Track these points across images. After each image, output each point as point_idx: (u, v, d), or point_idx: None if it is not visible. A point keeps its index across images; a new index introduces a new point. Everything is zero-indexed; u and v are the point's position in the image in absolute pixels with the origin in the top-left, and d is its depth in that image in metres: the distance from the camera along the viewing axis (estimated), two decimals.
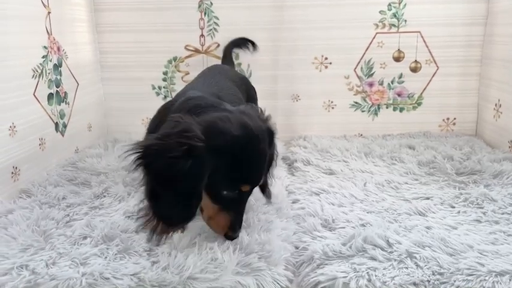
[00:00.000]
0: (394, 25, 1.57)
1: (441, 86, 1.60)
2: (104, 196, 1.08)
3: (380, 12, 1.56)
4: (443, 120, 1.64)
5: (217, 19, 1.60)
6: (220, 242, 0.83)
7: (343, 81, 1.63)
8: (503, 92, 1.44)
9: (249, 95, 1.31)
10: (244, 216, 0.93)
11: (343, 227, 0.89)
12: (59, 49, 1.35)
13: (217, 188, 0.80)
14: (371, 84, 1.62)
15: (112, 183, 1.14)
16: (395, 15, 1.56)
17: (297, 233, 0.90)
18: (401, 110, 1.64)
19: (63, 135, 1.37)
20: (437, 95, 1.61)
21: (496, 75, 1.49)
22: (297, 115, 1.65)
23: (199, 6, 1.59)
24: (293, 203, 1.06)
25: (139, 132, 1.66)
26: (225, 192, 0.80)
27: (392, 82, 1.62)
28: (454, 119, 1.63)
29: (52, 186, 1.12)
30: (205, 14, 1.60)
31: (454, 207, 0.99)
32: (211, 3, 1.59)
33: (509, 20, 1.42)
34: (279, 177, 1.21)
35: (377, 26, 1.57)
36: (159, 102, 1.66)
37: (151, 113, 1.66)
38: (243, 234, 0.85)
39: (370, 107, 1.64)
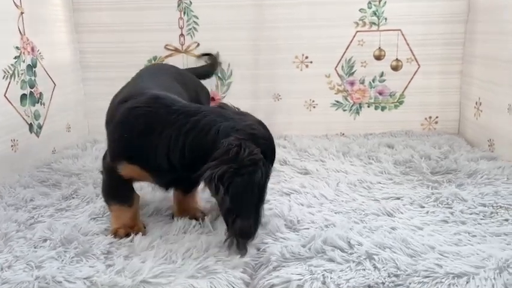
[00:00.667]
0: (374, 23, 1.56)
1: (423, 85, 1.59)
2: (73, 198, 1.07)
3: (360, 10, 1.55)
4: (426, 118, 1.62)
5: (197, 18, 1.59)
6: (181, 245, 0.82)
7: (324, 80, 1.62)
8: (484, 90, 1.42)
9: (200, 97, 1.25)
10: (206, 219, 0.93)
11: (307, 228, 0.88)
12: (33, 49, 1.34)
13: None
14: (352, 83, 1.61)
15: (82, 185, 1.13)
16: (375, 14, 1.55)
17: (260, 235, 0.88)
18: (382, 108, 1.63)
19: (38, 136, 1.36)
20: (419, 94, 1.60)
21: (477, 73, 1.47)
22: (278, 114, 1.64)
23: (179, 5, 1.58)
24: None
25: None
26: None
27: (373, 81, 1.61)
28: (436, 117, 1.62)
29: (22, 188, 1.12)
30: (184, 13, 1.59)
31: (423, 207, 0.98)
32: (191, 3, 1.58)
33: (490, 17, 1.40)
34: None
35: (357, 24, 1.56)
36: None
37: None
38: (203, 237, 0.84)
39: (351, 106, 1.63)
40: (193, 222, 0.92)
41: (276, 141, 1.52)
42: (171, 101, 0.88)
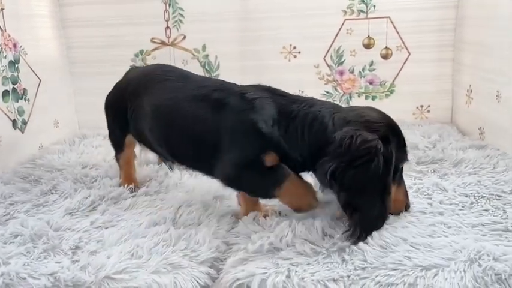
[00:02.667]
0: (362, 11, 1.52)
1: (414, 73, 1.56)
2: (51, 193, 1.07)
3: None
4: (417, 107, 1.59)
5: (182, 10, 1.57)
6: (149, 238, 0.81)
7: (313, 71, 1.59)
8: (474, 77, 1.39)
9: None
10: (180, 211, 0.92)
11: (281, 221, 0.86)
12: (15, 46, 1.33)
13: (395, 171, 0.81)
14: (341, 73, 1.58)
15: (62, 180, 1.13)
16: (363, 1, 1.51)
17: (233, 228, 0.87)
18: (373, 98, 1.60)
19: (23, 132, 1.36)
20: (410, 82, 1.57)
21: (467, 60, 1.44)
22: None
23: None
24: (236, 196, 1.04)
25: None
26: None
27: (363, 70, 1.58)
28: (429, 106, 1.58)
29: (2, 184, 1.12)
30: (169, 5, 1.57)
31: None
32: None
33: (480, 1, 1.36)
34: None
35: (345, 12, 1.53)
36: None
37: None
38: (172, 230, 0.83)
39: (341, 96, 1.60)
40: (165, 214, 0.91)
41: None
42: (282, 91, 0.90)
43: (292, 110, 0.84)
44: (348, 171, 0.75)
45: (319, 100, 0.89)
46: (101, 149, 1.41)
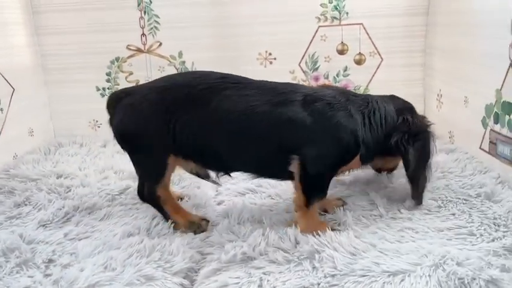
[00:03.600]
0: (336, 18, 1.55)
1: (386, 78, 1.59)
2: (25, 205, 1.06)
3: (321, 5, 1.54)
4: None
5: (158, 17, 1.57)
6: (123, 250, 0.82)
7: (289, 76, 1.61)
8: (444, 83, 1.43)
9: None
10: (155, 221, 0.92)
11: (254, 229, 0.87)
12: None
13: None
14: (317, 78, 1.61)
15: (36, 191, 1.12)
16: (336, 8, 1.54)
17: (208, 237, 0.88)
18: None
19: None
20: (383, 87, 1.58)
21: (438, 65, 1.48)
22: None
23: (139, 4, 1.56)
24: (218, 204, 1.05)
25: (86, 134, 1.65)
26: None
27: (337, 75, 1.60)
28: None
29: None
30: (145, 12, 1.57)
31: (373, 203, 0.98)
32: (151, 2, 1.56)
33: (450, 8, 1.40)
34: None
35: (319, 19, 1.55)
36: (105, 104, 1.65)
37: (98, 114, 1.66)
38: (146, 240, 0.83)
39: None
40: (140, 224, 0.91)
41: None
42: (350, 91, 1.02)
43: (367, 109, 0.93)
44: (416, 140, 0.93)
45: (369, 95, 1.01)
46: (76, 157, 1.41)
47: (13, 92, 1.44)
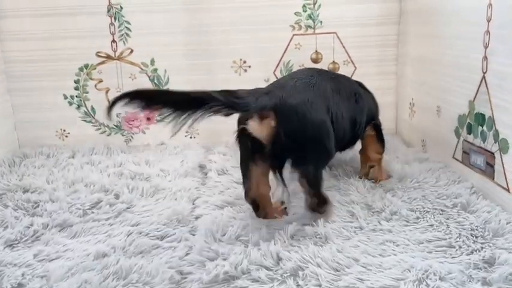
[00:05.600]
0: (310, 26, 1.55)
1: None
2: None
3: (295, 13, 1.54)
4: None
5: (129, 24, 1.53)
6: (98, 272, 0.78)
7: (264, 84, 1.57)
8: (416, 91, 1.45)
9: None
10: (131, 238, 0.89)
11: (236, 246, 0.85)
12: None
13: None
14: None
15: (1, 207, 1.06)
16: (310, 17, 1.54)
17: (187, 254, 0.85)
18: None
19: None
20: None
21: (410, 74, 1.50)
22: (219, 120, 1.59)
23: (109, 10, 1.52)
24: (195, 218, 1.02)
25: (53, 144, 1.58)
26: None
27: None
28: None
29: None
30: (115, 18, 1.53)
31: (353, 214, 0.97)
32: (121, 8, 1.51)
33: (419, 19, 1.43)
34: (187, 190, 1.17)
35: (293, 27, 1.55)
36: (73, 112, 1.60)
37: (65, 124, 1.59)
38: (123, 261, 0.80)
39: None
40: (115, 242, 0.87)
41: (216, 149, 1.50)
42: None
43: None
44: None
45: None
46: (43, 169, 1.34)
47: None
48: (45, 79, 1.57)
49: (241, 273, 0.76)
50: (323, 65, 1.58)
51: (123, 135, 1.63)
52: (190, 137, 1.62)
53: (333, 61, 1.58)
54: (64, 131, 1.61)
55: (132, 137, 1.63)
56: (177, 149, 1.52)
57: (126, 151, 1.53)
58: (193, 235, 0.93)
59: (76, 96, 1.59)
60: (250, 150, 0.94)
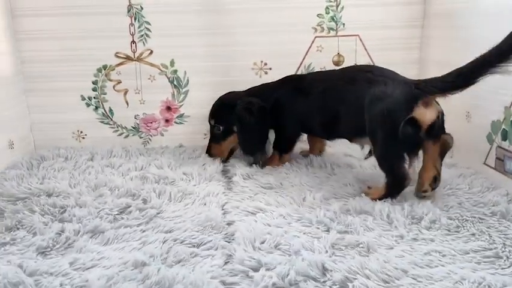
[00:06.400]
0: (332, 29, 1.53)
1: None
2: (18, 229, 0.97)
3: (318, 15, 1.52)
4: None
5: (149, 24, 1.51)
6: (139, 282, 0.75)
7: None
8: None
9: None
10: (167, 245, 0.87)
11: (277, 255, 0.83)
12: None
13: None
14: None
15: (28, 213, 1.03)
16: (333, 19, 1.52)
17: (227, 263, 0.83)
18: None
19: None
20: None
21: None
22: None
23: (129, 10, 1.49)
24: (228, 224, 1.00)
25: (70, 146, 1.55)
26: None
27: None
28: None
29: None
30: (135, 19, 1.50)
31: (391, 222, 0.96)
32: (142, 8, 1.49)
33: (443, 23, 1.42)
34: (215, 194, 1.15)
35: (316, 30, 1.53)
36: (90, 114, 1.57)
37: (82, 125, 1.57)
38: (164, 270, 0.78)
39: None
40: (151, 250, 0.85)
41: (236, 153, 1.48)
42: None
43: None
44: None
45: None
46: (63, 172, 1.31)
47: None
48: (63, 80, 1.54)
49: (288, 285, 0.74)
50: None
51: (140, 137, 1.60)
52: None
53: (355, 64, 1.56)
54: (81, 132, 1.59)
55: (150, 139, 1.60)
56: (196, 152, 1.50)
57: (145, 154, 1.50)
58: (228, 242, 0.91)
59: (94, 97, 1.56)
60: (415, 137, 1.01)
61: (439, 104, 1.07)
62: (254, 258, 0.82)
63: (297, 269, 0.76)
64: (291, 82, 1.37)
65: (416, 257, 0.81)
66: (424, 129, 1.01)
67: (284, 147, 1.36)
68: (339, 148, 1.46)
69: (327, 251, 0.84)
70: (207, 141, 1.47)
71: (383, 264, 0.77)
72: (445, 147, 1.08)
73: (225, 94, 1.45)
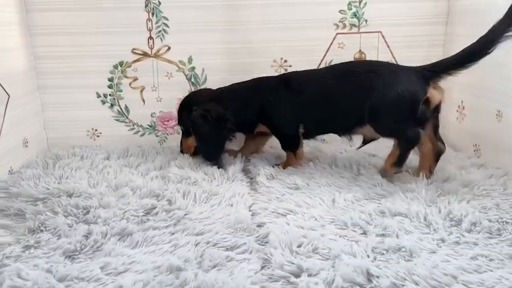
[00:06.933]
0: (354, 25, 1.50)
1: None
2: (41, 231, 0.94)
3: (340, 11, 1.48)
4: None
5: (167, 20, 1.47)
6: (178, 287, 0.72)
7: None
8: (466, 94, 1.40)
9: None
10: (200, 248, 0.83)
11: (317, 260, 0.80)
12: None
13: None
14: None
15: (51, 214, 0.99)
16: (355, 15, 1.49)
17: (263, 267, 0.80)
18: None
19: None
20: None
21: (458, 76, 1.44)
22: None
23: (146, 5, 1.45)
24: (258, 226, 0.97)
25: (84, 144, 1.52)
26: None
27: None
28: None
29: None
30: (153, 14, 1.46)
31: (430, 224, 0.92)
32: (160, 3, 1.45)
33: (468, 19, 1.38)
34: (240, 195, 1.11)
35: (337, 26, 1.50)
36: (105, 111, 1.53)
37: (97, 123, 1.53)
38: (202, 275, 0.74)
39: None
40: (185, 253, 0.81)
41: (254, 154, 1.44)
42: None
43: None
44: None
45: None
46: (80, 172, 1.28)
47: (8, 99, 1.30)
48: (77, 76, 1.50)
49: None
50: None
51: (157, 136, 1.57)
52: None
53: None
54: (96, 130, 1.55)
55: (166, 138, 1.57)
56: None
57: (161, 152, 1.47)
58: (262, 245, 0.88)
59: (109, 94, 1.52)
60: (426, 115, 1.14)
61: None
62: (293, 263, 0.78)
63: (342, 275, 0.73)
64: (277, 82, 1.31)
65: (463, 261, 0.78)
66: (431, 108, 1.15)
67: (292, 145, 1.32)
68: (362, 148, 1.42)
69: (368, 256, 0.81)
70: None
71: (431, 270, 0.74)
72: (439, 153, 1.19)
73: (194, 92, 1.42)
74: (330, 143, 1.53)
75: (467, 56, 1.11)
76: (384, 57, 1.52)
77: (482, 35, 1.10)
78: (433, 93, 1.14)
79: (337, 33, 1.50)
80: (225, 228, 0.93)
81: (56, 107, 1.52)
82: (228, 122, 1.29)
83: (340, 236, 0.89)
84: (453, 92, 1.48)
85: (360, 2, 1.48)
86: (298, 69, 1.48)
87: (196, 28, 1.47)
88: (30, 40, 1.46)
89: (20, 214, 1.02)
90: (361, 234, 0.90)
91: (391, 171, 1.17)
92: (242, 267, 0.79)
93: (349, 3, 1.48)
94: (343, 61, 1.32)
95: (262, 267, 0.80)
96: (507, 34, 1.06)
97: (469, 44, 1.13)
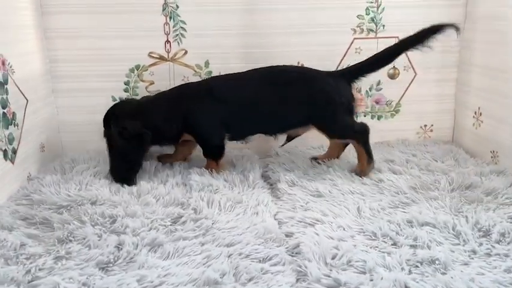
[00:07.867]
0: (372, 30, 1.50)
1: (418, 92, 1.56)
2: (70, 241, 0.93)
3: (358, 16, 1.48)
4: (421, 127, 1.60)
5: (184, 24, 1.46)
6: None
7: None
8: (484, 100, 1.41)
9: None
10: (234, 259, 0.83)
11: (353, 273, 0.80)
12: (3, 63, 1.16)
13: None
14: None
15: (78, 223, 0.99)
16: (373, 20, 1.49)
17: (299, 281, 0.80)
18: (379, 117, 1.59)
19: (13, 163, 1.19)
20: (415, 102, 1.57)
21: (475, 82, 1.46)
22: None
23: (164, 9, 1.44)
24: (286, 236, 0.97)
25: (99, 149, 1.51)
26: None
27: (370, 89, 1.56)
28: (432, 125, 1.60)
29: (6, 232, 0.96)
30: (170, 18, 1.45)
31: (459, 234, 0.93)
32: (177, 6, 1.44)
33: (485, 26, 1.39)
34: (264, 203, 1.11)
35: (355, 31, 1.50)
36: None
37: None
38: None
39: None
40: (219, 266, 0.81)
41: (273, 158, 1.45)
42: None
43: None
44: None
45: None
46: (101, 177, 1.27)
47: (27, 103, 1.29)
48: (93, 80, 1.49)
49: None
50: (383, 70, 1.51)
51: None
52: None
53: (394, 66, 1.53)
54: None
55: None
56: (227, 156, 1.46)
57: None
58: (293, 256, 0.88)
59: (125, 98, 1.51)
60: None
61: None
62: (330, 276, 0.79)
63: (376, 282, 0.73)
64: (199, 90, 1.29)
65: (497, 274, 0.79)
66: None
67: (217, 155, 1.31)
68: (380, 155, 1.43)
69: (403, 268, 0.81)
70: (239, 146, 1.43)
71: (468, 284, 0.75)
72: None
73: (115, 105, 1.34)
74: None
75: (375, 62, 1.28)
76: (401, 62, 1.53)
77: (387, 47, 1.29)
78: (354, 93, 1.31)
79: (355, 38, 1.50)
80: (254, 238, 0.93)
81: (72, 110, 1.51)
82: (146, 140, 1.24)
83: (371, 247, 0.89)
84: (470, 98, 1.49)
85: (377, 7, 1.48)
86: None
87: (214, 32, 1.46)
88: (45, 43, 1.44)
89: (45, 223, 1.01)
90: (392, 245, 0.90)
91: (369, 168, 1.27)
92: (277, 279, 0.80)
93: (367, 9, 1.48)
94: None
95: (297, 280, 0.81)
96: (407, 51, 1.30)
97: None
